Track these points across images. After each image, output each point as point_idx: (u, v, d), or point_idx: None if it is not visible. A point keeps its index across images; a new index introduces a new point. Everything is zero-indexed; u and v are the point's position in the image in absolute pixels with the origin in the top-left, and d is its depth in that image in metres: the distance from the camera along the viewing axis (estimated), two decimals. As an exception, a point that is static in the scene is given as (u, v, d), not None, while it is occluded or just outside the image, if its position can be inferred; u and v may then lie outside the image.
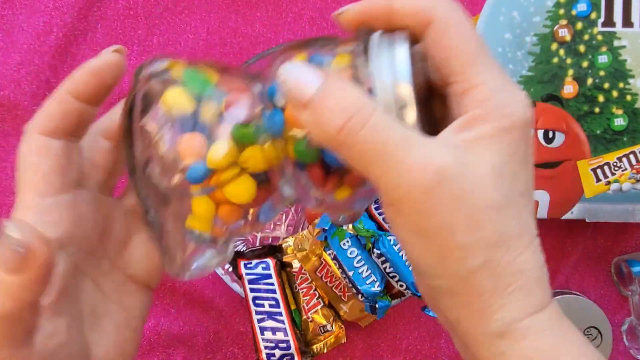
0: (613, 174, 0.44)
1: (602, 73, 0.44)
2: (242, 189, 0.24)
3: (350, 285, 0.43)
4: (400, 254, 0.42)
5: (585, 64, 0.44)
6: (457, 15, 0.24)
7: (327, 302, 0.47)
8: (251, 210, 0.25)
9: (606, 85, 0.44)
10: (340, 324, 0.47)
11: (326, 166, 0.24)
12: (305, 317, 0.47)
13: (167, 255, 0.26)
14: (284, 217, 0.50)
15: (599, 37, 0.43)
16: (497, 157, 0.23)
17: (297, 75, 0.23)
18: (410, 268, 0.42)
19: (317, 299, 0.47)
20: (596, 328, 0.50)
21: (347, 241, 0.44)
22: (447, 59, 0.24)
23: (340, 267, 0.43)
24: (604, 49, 0.44)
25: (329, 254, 0.44)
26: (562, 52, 0.44)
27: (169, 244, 0.26)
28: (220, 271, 0.48)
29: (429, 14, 0.24)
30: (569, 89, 0.44)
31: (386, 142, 0.22)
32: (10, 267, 0.20)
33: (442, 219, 0.23)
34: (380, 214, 0.45)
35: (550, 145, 0.44)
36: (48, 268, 0.21)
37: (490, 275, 0.23)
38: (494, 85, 0.24)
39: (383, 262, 0.42)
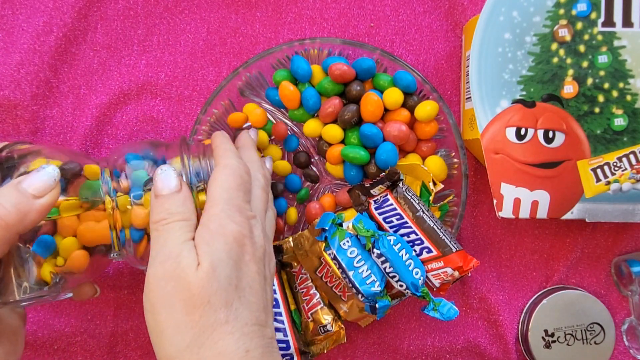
0: (613, 174, 0.44)
1: (602, 73, 0.44)
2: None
3: (350, 285, 0.43)
4: (400, 254, 0.42)
5: (585, 64, 0.44)
6: (234, 167, 0.36)
7: (327, 302, 0.47)
8: None
9: (606, 85, 0.44)
10: (340, 324, 0.47)
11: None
12: (305, 317, 0.47)
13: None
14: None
15: (599, 37, 0.43)
16: (216, 254, 0.32)
17: (166, 176, 0.36)
18: (410, 268, 0.42)
19: (317, 299, 0.47)
20: (599, 324, 0.50)
21: (347, 241, 0.44)
22: (209, 188, 0.36)
23: (340, 267, 0.43)
24: (604, 49, 0.44)
25: (329, 254, 0.44)
26: (562, 52, 0.44)
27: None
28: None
29: (220, 160, 0.37)
30: (569, 89, 0.44)
31: (165, 241, 0.33)
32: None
33: (163, 301, 0.31)
34: (380, 214, 0.45)
35: (550, 145, 0.45)
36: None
37: (194, 355, 0.30)
38: (222, 210, 0.35)
39: (383, 262, 0.42)
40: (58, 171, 0.34)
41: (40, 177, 0.33)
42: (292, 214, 0.49)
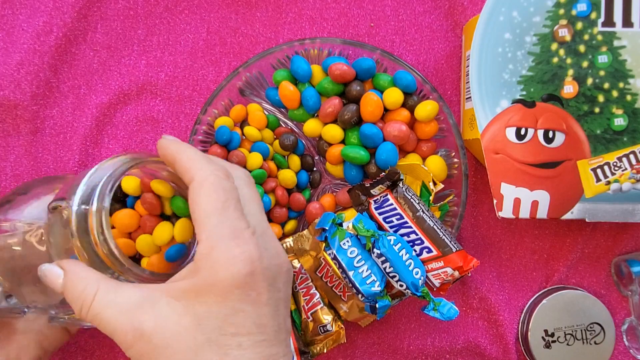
0: (613, 174, 0.44)
1: (602, 73, 0.44)
2: None
3: (350, 285, 0.43)
4: (400, 254, 0.42)
5: (585, 64, 0.44)
6: (211, 180, 0.31)
7: (327, 302, 0.47)
8: None
9: (606, 85, 0.44)
10: (340, 324, 0.47)
11: None
12: (305, 317, 0.47)
13: None
14: (284, 217, 0.50)
15: (599, 37, 0.43)
16: (202, 307, 0.29)
17: (47, 273, 0.33)
18: (410, 268, 0.42)
19: (317, 299, 0.47)
20: (599, 324, 0.50)
21: (347, 241, 0.44)
22: (193, 214, 0.31)
23: (340, 267, 0.43)
24: (604, 49, 0.44)
25: (329, 254, 0.44)
26: (562, 52, 0.44)
27: None
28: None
29: (192, 174, 0.31)
30: (569, 89, 0.44)
31: (102, 316, 0.30)
32: None
33: None
34: (380, 214, 0.45)
35: (550, 145, 0.45)
36: None
37: None
38: (214, 242, 0.29)
39: (383, 262, 0.42)
40: None
41: None
42: (291, 224, 0.49)
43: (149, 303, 0.30)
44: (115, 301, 0.30)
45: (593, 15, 0.43)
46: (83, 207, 0.32)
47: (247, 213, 0.32)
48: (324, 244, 0.44)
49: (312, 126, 0.47)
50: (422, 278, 0.42)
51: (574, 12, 0.43)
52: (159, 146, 0.34)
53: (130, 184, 0.36)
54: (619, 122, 0.44)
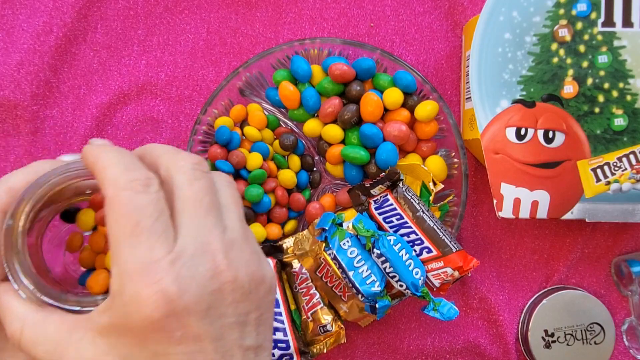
0: (613, 174, 0.44)
1: (602, 73, 0.44)
2: None
3: (350, 285, 0.43)
4: (400, 254, 0.42)
5: (585, 64, 0.44)
6: (122, 197, 0.25)
7: (327, 302, 0.47)
8: None
9: (606, 85, 0.44)
10: (340, 324, 0.47)
11: None
12: (305, 317, 0.47)
13: None
14: (284, 217, 0.50)
15: (599, 37, 0.43)
16: (125, 349, 0.25)
17: None
18: (410, 268, 0.42)
19: (317, 299, 0.47)
20: (599, 324, 0.50)
21: (347, 241, 0.44)
22: (109, 238, 0.25)
23: (340, 267, 0.43)
24: (604, 49, 0.44)
25: (329, 254, 0.44)
26: (562, 52, 0.44)
27: None
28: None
29: (104, 190, 0.26)
30: (569, 89, 0.44)
31: (34, 354, 0.27)
32: None
33: None
34: (380, 214, 0.45)
35: (550, 145, 0.45)
36: None
37: None
38: (123, 279, 0.25)
39: (383, 262, 0.42)
40: None
41: None
42: (291, 224, 0.49)
43: (73, 341, 0.27)
44: (41, 340, 0.27)
45: (593, 15, 0.43)
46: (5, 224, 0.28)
47: (180, 225, 0.26)
48: (324, 244, 0.44)
49: (312, 126, 0.47)
50: (422, 278, 0.42)
51: (574, 12, 0.43)
52: (82, 155, 0.28)
53: (85, 217, 0.33)
54: (619, 122, 0.44)
